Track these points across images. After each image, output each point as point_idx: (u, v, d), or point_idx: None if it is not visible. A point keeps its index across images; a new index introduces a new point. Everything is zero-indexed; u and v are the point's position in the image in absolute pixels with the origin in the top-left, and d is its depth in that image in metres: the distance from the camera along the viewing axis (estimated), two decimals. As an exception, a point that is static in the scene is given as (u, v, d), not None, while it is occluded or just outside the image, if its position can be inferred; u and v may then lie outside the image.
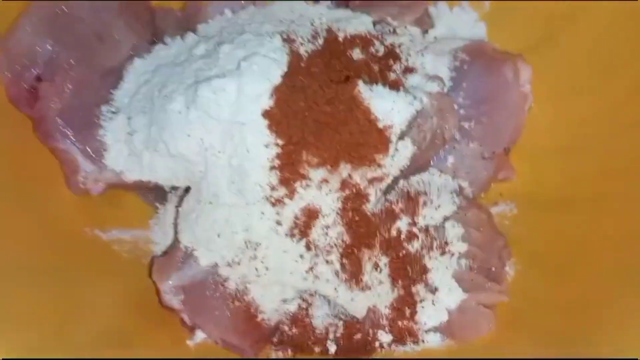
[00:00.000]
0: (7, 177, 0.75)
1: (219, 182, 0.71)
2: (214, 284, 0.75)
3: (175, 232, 0.78)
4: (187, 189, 0.79)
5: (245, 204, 0.71)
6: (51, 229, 0.77)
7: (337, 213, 0.73)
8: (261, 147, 0.69)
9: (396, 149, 0.72)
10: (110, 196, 0.83)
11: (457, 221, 0.79)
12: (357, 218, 0.73)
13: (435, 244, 0.78)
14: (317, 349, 0.79)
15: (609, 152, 0.81)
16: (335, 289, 0.76)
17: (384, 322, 0.78)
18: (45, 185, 0.79)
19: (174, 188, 0.85)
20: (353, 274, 0.75)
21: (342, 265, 0.74)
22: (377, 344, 0.78)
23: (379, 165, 0.71)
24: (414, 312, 0.77)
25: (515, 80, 0.86)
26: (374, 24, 0.86)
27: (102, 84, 0.79)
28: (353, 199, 0.73)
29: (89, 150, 0.77)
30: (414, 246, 0.77)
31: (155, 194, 0.87)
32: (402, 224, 0.76)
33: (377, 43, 0.82)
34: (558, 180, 0.86)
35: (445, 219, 0.79)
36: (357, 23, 0.83)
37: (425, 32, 0.91)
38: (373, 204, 0.74)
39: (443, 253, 0.78)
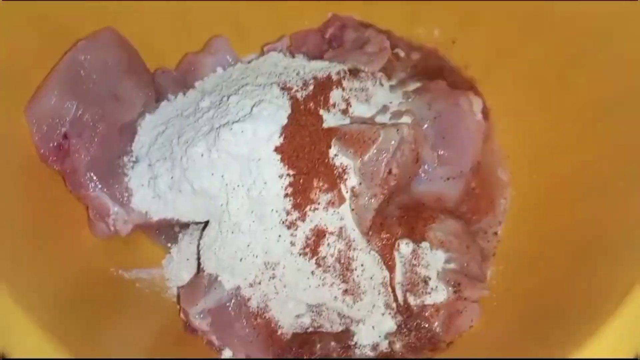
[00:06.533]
0: (40, 227, 0.83)
1: (239, 212, 0.82)
2: (238, 304, 0.84)
3: (198, 263, 0.87)
4: (203, 226, 0.89)
5: (264, 229, 0.82)
6: (83, 270, 0.85)
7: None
8: (276, 177, 0.81)
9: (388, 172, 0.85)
10: (126, 241, 0.92)
11: (440, 230, 0.92)
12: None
13: (424, 252, 0.90)
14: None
15: (573, 153, 0.90)
16: (342, 301, 0.86)
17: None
18: (72, 232, 0.87)
19: (184, 227, 0.95)
20: (352, 289, 0.86)
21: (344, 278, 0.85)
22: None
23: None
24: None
25: (470, 111, 1.01)
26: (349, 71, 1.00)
27: (121, 138, 0.89)
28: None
29: (117, 195, 0.86)
30: (404, 254, 0.89)
31: (165, 235, 0.96)
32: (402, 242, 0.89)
33: (354, 82, 0.96)
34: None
35: (431, 229, 0.92)
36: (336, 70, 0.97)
37: (388, 78, 1.06)
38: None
39: (431, 258, 0.90)
